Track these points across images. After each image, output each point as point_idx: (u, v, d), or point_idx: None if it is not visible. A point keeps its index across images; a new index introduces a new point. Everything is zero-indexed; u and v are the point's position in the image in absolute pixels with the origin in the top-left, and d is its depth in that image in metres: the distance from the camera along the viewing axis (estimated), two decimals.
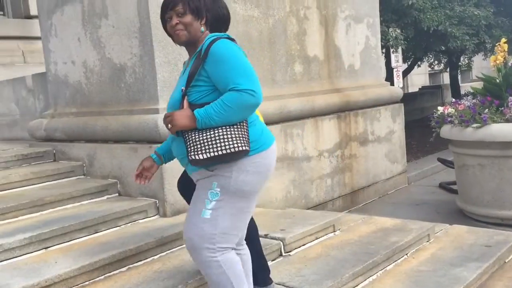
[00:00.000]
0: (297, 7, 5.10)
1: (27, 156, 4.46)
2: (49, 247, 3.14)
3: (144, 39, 3.88)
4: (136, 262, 3.07)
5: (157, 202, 3.79)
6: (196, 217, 2.13)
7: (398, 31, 7.87)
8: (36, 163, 4.48)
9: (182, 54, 4.00)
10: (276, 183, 4.64)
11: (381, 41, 7.20)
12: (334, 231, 3.82)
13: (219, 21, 2.31)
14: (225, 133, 2.02)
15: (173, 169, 3.76)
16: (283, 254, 3.39)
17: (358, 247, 3.48)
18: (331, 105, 5.34)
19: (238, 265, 2.21)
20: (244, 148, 2.04)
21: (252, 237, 2.59)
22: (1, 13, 12.12)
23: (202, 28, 2.21)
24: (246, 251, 2.41)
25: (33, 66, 8.93)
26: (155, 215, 3.77)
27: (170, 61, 3.93)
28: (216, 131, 2.02)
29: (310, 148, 5.04)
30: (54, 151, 4.65)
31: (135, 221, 3.63)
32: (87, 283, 2.83)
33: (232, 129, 2.03)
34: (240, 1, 4.51)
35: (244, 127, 2.07)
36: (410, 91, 19.45)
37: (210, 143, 2.01)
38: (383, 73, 6.88)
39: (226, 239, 2.14)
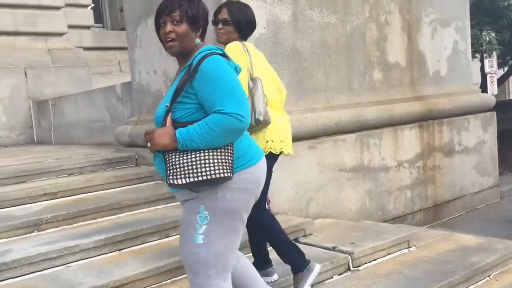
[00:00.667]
0: (377, 13, 4.93)
1: (112, 161, 4.72)
2: (122, 249, 3.27)
3: None
4: None
5: None
6: (189, 243, 1.99)
7: (493, 34, 7.35)
8: (119, 168, 4.73)
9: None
10: (350, 194, 4.51)
11: (473, 46, 6.77)
12: (409, 247, 3.62)
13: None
14: (207, 157, 1.86)
15: None
16: (351, 268, 3.27)
17: (434, 265, 3.27)
18: (412, 114, 5.10)
19: None
20: (225, 174, 1.87)
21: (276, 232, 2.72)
22: (101, 25, 13.02)
23: (198, 40, 2.02)
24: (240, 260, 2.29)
25: (128, 75, 9.46)
26: None
27: None
28: (198, 155, 1.86)
29: (388, 158, 4.84)
30: (136, 156, 4.87)
31: None
32: (153, 286, 2.91)
33: (215, 153, 1.87)
34: (317, 8, 4.45)
35: (229, 151, 1.90)
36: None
37: (190, 167, 1.85)
38: (474, 79, 6.46)
39: (223, 261, 2.01)
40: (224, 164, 1.87)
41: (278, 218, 3.79)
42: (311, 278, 2.69)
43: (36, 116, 8.57)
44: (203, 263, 1.97)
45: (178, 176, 1.86)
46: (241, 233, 2.07)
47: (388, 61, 5.02)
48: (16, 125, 8.56)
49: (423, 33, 5.38)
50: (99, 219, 3.66)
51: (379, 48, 4.95)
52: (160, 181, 4.51)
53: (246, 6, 2.82)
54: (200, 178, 1.84)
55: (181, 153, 1.87)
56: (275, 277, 2.89)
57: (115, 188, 4.23)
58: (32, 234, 3.36)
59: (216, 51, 1.98)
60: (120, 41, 10.69)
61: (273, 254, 2.90)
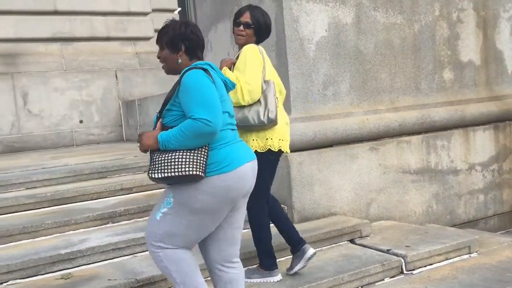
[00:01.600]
0: (449, 10, 4.79)
1: None
2: None
3: (280, 51, 4.07)
4: (252, 266, 3.26)
5: (286, 208, 3.95)
6: (152, 216, 2.34)
7: None
8: None
9: (316, 66, 4.11)
10: (414, 196, 4.44)
11: None
12: (470, 253, 3.53)
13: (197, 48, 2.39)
14: (181, 156, 2.12)
15: (302, 178, 3.90)
16: (405, 272, 3.27)
17: (492, 273, 3.17)
18: (486, 114, 4.89)
19: (183, 262, 2.28)
20: (196, 172, 2.10)
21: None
22: None
23: (179, 60, 2.32)
24: (236, 270, 2.44)
25: None
26: None
27: (304, 73, 4.06)
28: (173, 154, 2.14)
29: (458, 161, 4.69)
30: None
31: None
32: (208, 279, 3.10)
33: (188, 154, 2.13)
34: (381, 8, 4.43)
35: (203, 152, 2.14)
36: None
37: (166, 164, 2.13)
38: None
39: (171, 241, 2.26)
40: (195, 163, 2.12)
41: (336, 218, 3.89)
42: (304, 261, 2.99)
43: (125, 115, 9.22)
44: (152, 236, 2.30)
45: (156, 171, 2.17)
46: (204, 230, 2.28)
47: (460, 60, 4.86)
48: (108, 124, 9.26)
49: (501, 30, 5.12)
50: None
51: (450, 47, 4.80)
52: None
53: (266, 13, 3.02)
54: (173, 174, 2.12)
55: (162, 152, 2.18)
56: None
57: None
58: (107, 225, 3.71)
59: (200, 66, 2.24)
60: None
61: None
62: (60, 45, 9.14)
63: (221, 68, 2.90)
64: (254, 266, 3.12)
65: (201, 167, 2.13)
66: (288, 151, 3.00)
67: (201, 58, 2.39)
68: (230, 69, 2.93)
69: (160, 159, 2.17)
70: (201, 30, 5.23)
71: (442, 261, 3.42)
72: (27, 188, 4.28)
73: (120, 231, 3.53)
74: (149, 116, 8.14)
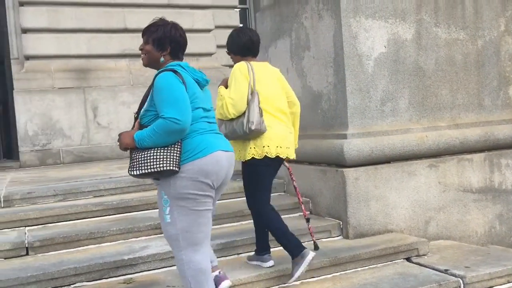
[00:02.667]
0: None
1: (239, 173, 5.11)
2: (240, 253, 3.62)
3: (338, 68, 4.12)
4: (309, 278, 3.31)
5: (341, 223, 3.96)
6: (162, 222, 2.51)
7: None
8: None
9: (375, 82, 4.12)
10: (476, 216, 4.31)
11: None
12: None
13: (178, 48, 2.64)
14: (155, 154, 2.34)
15: (358, 194, 3.90)
16: None
17: None
18: None
19: (201, 273, 2.47)
20: (169, 168, 2.33)
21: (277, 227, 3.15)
22: None
23: (162, 58, 2.54)
24: None
25: None
26: (339, 235, 3.95)
27: (362, 89, 4.08)
28: (148, 152, 2.36)
29: None
30: None
31: (318, 239, 3.85)
32: None
33: (162, 151, 2.35)
34: (443, 24, 4.38)
35: (175, 148, 2.36)
36: None
37: (141, 161, 2.36)
38: None
39: (189, 237, 2.45)
40: (169, 159, 2.35)
41: (392, 235, 3.85)
42: (304, 265, 3.05)
43: None
44: (174, 238, 2.48)
45: (134, 169, 2.39)
46: (205, 214, 2.49)
47: None
48: None
49: None
50: (224, 225, 4.07)
51: None
52: (283, 193, 4.80)
53: (241, 31, 3.28)
54: (148, 171, 2.35)
55: (139, 151, 2.40)
56: (270, 263, 3.29)
57: (238, 198, 4.60)
58: None
59: (171, 67, 2.47)
60: None
61: None
62: (128, 61, 9.61)
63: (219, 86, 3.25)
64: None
65: (173, 162, 2.35)
66: (292, 157, 3.25)
67: (181, 59, 2.63)
68: (226, 87, 3.22)
69: (137, 157, 2.38)
70: (262, 46, 5.35)
71: (504, 283, 3.31)
72: (95, 196, 4.54)
73: None
74: None
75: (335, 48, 4.14)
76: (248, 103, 3.08)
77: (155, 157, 2.35)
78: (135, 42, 9.70)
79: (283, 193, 4.79)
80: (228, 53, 3.35)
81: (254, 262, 3.36)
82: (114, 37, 9.47)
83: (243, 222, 4.11)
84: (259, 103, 3.09)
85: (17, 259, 3.42)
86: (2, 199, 4.26)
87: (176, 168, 2.36)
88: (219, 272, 2.84)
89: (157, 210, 4.20)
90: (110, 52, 9.39)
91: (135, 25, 9.60)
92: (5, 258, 3.42)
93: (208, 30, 10.34)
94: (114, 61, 9.47)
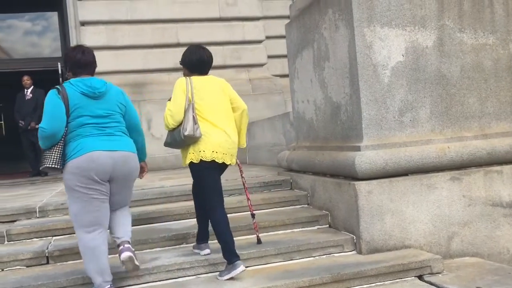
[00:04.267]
0: None
1: (268, 184, 5.16)
2: (248, 266, 3.61)
3: (353, 78, 4.04)
4: None
5: (354, 238, 3.86)
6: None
7: None
8: (275, 190, 5.13)
9: (392, 92, 3.99)
10: (507, 232, 4.03)
11: None
12: None
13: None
14: (44, 155, 3.09)
15: (371, 208, 3.80)
16: None
17: None
18: None
19: (89, 249, 3.10)
20: (49, 165, 3.05)
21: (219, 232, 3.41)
22: None
23: (67, 76, 3.29)
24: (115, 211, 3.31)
25: None
26: (352, 251, 3.85)
27: (378, 99, 3.97)
28: (42, 154, 3.12)
29: None
30: (291, 180, 5.21)
31: (330, 254, 3.80)
32: None
33: (47, 152, 3.07)
34: (468, 29, 4.16)
35: (55, 150, 3.06)
36: None
37: (42, 160, 3.12)
38: None
39: (79, 220, 3.12)
40: (49, 158, 3.06)
41: (407, 252, 3.70)
42: (231, 274, 3.32)
43: None
44: (72, 220, 3.21)
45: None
46: (91, 204, 3.09)
47: None
48: None
49: None
50: (238, 237, 4.08)
51: None
52: (306, 206, 4.77)
53: (196, 50, 3.65)
54: (41, 167, 3.10)
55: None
56: (206, 251, 3.67)
57: (262, 209, 4.63)
58: (181, 245, 3.97)
59: (60, 85, 3.14)
60: None
61: None
62: (181, 74, 9.93)
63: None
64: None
65: (52, 161, 3.05)
66: (229, 163, 3.54)
67: (78, 75, 3.22)
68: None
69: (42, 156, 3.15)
70: (289, 57, 5.37)
71: None
72: None
73: (189, 252, 3.76)
74: (256, 140, 8.46)
75: (349, 59, 4.07)
76: (185, 112, 3.40)
77: (44, 157, 3.10)
78: None
79: (306, 206, 4.75)
80: (180, 64, 3.72)
81: (195, 250, 3.73)
82: (167, 51, 9.84)
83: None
84: (193, 112, 3.41)
85: (37, 267, 3.67)
86: (37, 210, 4.58)
87: (55, 165, 3.06)
88: (124, 245, 3.23)
89: (178, 221, 4.39)
90: (163, 66, 9.78)
91: (187, 39, 9.92)
92: (26, 266, 3.68)
93: (259, 41, 10.46)
94: (167, 75, 9.83)
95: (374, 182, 3.83)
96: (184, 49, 10.56)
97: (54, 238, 4.14)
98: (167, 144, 3.59)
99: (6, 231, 4.10)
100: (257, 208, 4.60)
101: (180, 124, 3.40)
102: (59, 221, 4.26)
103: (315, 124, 4.92)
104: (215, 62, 10.62)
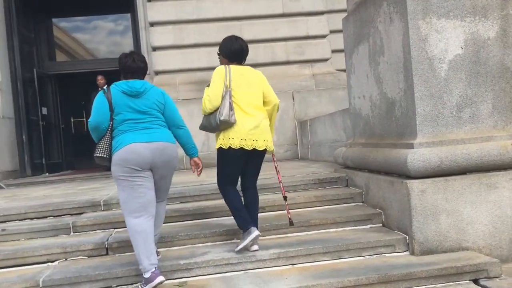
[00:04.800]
0: None
1: (323, 181, 5.11)
2: (296, 264, 3.63)
3: (407, 73, 3.90)
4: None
5: (407, 238, 3.74)
6: None
7: None
8: (330, 187, 5.08)
9: (449, 86, 3.82)
10: None
11: None
12: None
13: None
14: (96, 147, 3.49)
15: (425, 207, 3.67)
16: None
17: None
18: None
19: (137, 233, 3.36)
20: (97, 154, 3.46)
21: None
22: None
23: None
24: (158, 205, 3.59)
25: None
26: (405, 251, 3.73)
27: (433, 94, 3.81)
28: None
29: None
30: (347, 177, 5.13)
31: (380, 253, 3.71)
32: None
33: (97, 144, 3.50)
34: None
35: (102, 142, 3.47)
36: None
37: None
38: None
39: (127, 206, 3.41)
40: (99, 149, 3.46)
41: (463, 254, 3.55)
42: (248, 239, 3.61)
43: (299, 134, 9.66)
44: (121, 208, 3.51)
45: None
46: (134, 192, 3.38)
47: None
48: (284, 143, 9.81)
49: None
50: (289, 234, 4.11)
51: None
52: (361, 203, 4.68)
53: (235, 40, 3.92)
54: (94, 155, 3.48)
55: None
56: (254, 247, 3.70)
57: (315, 207, 4.60)
58: (232, 241, 4.04)
59: (107, 87, 3.57)
60: None
61: None
62: None
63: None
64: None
65: (101, 151, 3.44)
66: (260, 149, 3.72)
67: (128, 78, 3.56)
68: None
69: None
70: (346, 52, 5.31)
71: None
72: (181, 202, 4.91)
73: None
74: (317, 135, 8.40)
75: (404, 53, 3.93)
76: (222, 99, 3.62)
77: (95, 149, 3.49)
78: (251, 53, 10.09)
79: (360, 204, 4.66)
80: (218, 54, 3.92)
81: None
82: None
83: (309, 233, 4.11)
84: (230, 99, 3.63)
85: (97, 258, 3.89)
86: (102, 203, 4.85)
87: (102, 155, 3.44)
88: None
89: (230, 217, 4.47)
90: None
91: (251, 36, 10.00)
92: (88, 257, 3.91)
93: (323, 36, 10.34)
94: None
95: (428, 180, 3.68)
96: (248, 46, 10.68)
97: (115, 230, 4.35)
98: (202, 127, 3.81)
99: (72, 223, 4.37)
100: (309, 205, 4.62)
101: (217, 109, 3.63)
102: (121, 214, 4.46)
103: (370, 121, 4.80)
104: (277, 58, 10.71)
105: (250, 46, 10.03)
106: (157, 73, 10.01)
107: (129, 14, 11.94)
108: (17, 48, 10.53)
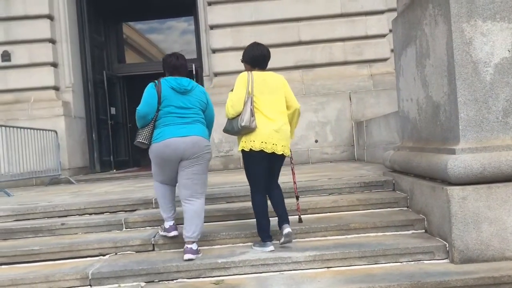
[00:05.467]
0: None
1: (369, 184, 5.08)
2: (331, 267, 3.67)
3: (450, 77, 3.82)
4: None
5: (447, 245, 3.67)
6: None
7: None
8: (375, 191, 5.04)
9: (495, 90, 3.71)
10: None
11: None
12: None
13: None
14: (138, 132, 3.99)
15: (465, 215, 3.60)
16: None
17: None
18: None
19: (160, 191, 4.16)
20: (139, 140, 3.94)
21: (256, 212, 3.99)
22: None
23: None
24: (189, 204, 3.95)
25: None
26: (444, 259, 3.66)
27: (478, 99, 3.71)
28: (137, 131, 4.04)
29: None
30: (394, 181, 5.07)
31: (419, 260, 3.67)
32: None
33: (140, 131, 3.98)
34: None
35: (146, 130, 3.95)
36: None
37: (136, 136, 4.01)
38: None
39: (155, 176, 4.15)
40: (142, 136, 3.93)
41: (506, 264, 3.45)
42: (259, 249, 3.90)
43: (356, 135, 9.57)
44: (152, 174, 4.20)
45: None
46: (160, 170, 4.05)
47: None
48: (341, 144, 9.76)
49: None
50: (329, 237, 4.15)
51: None
52: (405, 208, 4.62)
53: (257, 46, 4.03)
54: (134, 142, 4.00)
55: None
56: (270, 248, 3.90)
57: (358, 210, 4.60)
58: (273, 242, 4.12)
59: (158, 80, 3.99)
60: None
61: None
62: (302, 72, 10.11)
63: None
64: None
65: (143, 137, 3.93)
66: (279, 153, 3.89)
67: (173, 75, 4.02)
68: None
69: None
70: (395, 54, 5.29)
71: None
72: (227, 202, 5.06)
73: (278, 248, 3.90)
74: (372, 137, 8.30)
75: (447, 56, 3.85)
76: (244, 104, 3.81)
77: (137, 134, 3.98)
78: (308, 54, 10.18)
79: (405, 208, 4.60)
80: (242, 61, 4.10)
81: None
82: (288, 50, 10.08)
83: (348, 236, 4.12)
84: (251, 105, 3.81)
85: (145, 253, 4.12)
86: (153, 201, 5.11)
87: (144, 141, 3.92)
88: (187, 246, 3.84)
89: (272, 218, 4.57)
90: (284, 65, 10.01)
91: (309, 37, 10.07)
92: (136, 252, 4.16)
93: (383, 35, 10.17)
94: (288, 73, 10.04)
95: (470, 187, 3.60)
96: (305, 47, 10.73)
97: None
98: (225, 130, 4.03)
99: (124, 219, 4.66)
100: (352, 208, 4.62)
101: (239, 114, 3.83)
102: None
103: (418, 124, 4.72)
104: (335, 59, 10.64)
105: (307, 47, 10.18)
106: (216, 74, 10.27)
107: (192, 17, 12.31)
108: (89, 52, 11.20)
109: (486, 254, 3.57)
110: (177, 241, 4.14)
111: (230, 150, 9.81)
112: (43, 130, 9.09)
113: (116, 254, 4.15)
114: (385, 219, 4.21)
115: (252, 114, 3.80)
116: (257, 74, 3.92)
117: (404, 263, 3.67)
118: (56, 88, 10.37)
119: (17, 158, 8.62)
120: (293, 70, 10.05)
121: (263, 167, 3.90)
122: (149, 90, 3.94)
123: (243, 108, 3.82)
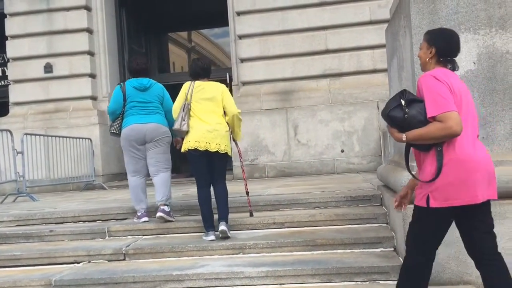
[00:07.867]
0: None
1: (355, 198, 4.95)
2: (283, 284, 3.64)
3: (414, 90, 3.67)
4: None
5: None
6: None
7: None
8: (362, 205, 4.90)
9: None
10: None
11: None
12: None
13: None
14: (110, 125, 5.02)
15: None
16: None
17: None
18: None
19: (132, 184, 4.97)
20: (113, 131, 5.00)
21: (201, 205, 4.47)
22: None
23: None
24: (156, 178, 4.97)
25: None
26: None
27: None
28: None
29: None
30: (382, 196, 4.91)
31: (374, 280, 3.55)
32: None
33: (112, 124, 5.00)
34: None
35: (116, 122, 4.95)
36: None
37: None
38: None
39: (128, 167, 5.00)
40: (113, 127, 4.97)
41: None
42: (204, 239, 4.39)
43: (383, 145, 9.29)
44: (125, 167, 5.06)
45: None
46: (131, 158, 4.98)
47: None
48: (367, 154, 9.53)
49: None
50: (294, 253, 4.09)
51: None
52: (384, 225, 4.46)
53: (196, 61, 4.63)
54: (109, 132, 5.07)
55: None
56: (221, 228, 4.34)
57: (334, 225, 4.49)
58: (238, 255, 4.15)
59: (122, 82, 5.04)
60: None
61: None
62: (329, 81, 9.97)
63: None
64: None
65: (114, 129, 4.95)
66: (214, 150, 4.33)
67: (135, 76, 5.04)
68: None
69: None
70: (388, 64, 5.09)
71: None
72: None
73: (237, 262, 3.92)
74: (396, 147, 8.03)
75: (411, 69, 3.71)
76: (180, 111, 4.42)
77: (110, 126, 5.02)
78: (335, 62, 10.04)
79: (384, 225, 4.44)
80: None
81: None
82: (316, 58, 9.99)
83: (315, 252, 4.05)
84: (183, 111, 4.39)
85: (115, 262, 4.26)
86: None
87: (115, 131, 4.95)
88: (160, 207, 4.79)
89: (252, 231, 4.58)
90: (312, 73, 9.95)
91: (336, 46, 9.94)
92: (108, 261, 4.31)
93: None
94: (315, 82, 9.99)
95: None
96: (332, 55, 10.53)
97: (143, 237, 4.72)
98: (172, 131, 4.73)
99: (107, 228, 4.84)
100: (329, 223, 4.56)
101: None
102: (149, 222, 4.85)
103: None
104: (363, 67, 10.38)
105: (334, 55, 10.06)
106: (243, 83, 10.37)
107: (226, 28, 12.53)
108: (127, 63, 11.69)
109: (443, 277, 3.39)
110: (145, 252, 4.26)
111: (255, 159, 9.86)
112: (79, 138, 9.60)
113: (89, 262, 4.33)
114: (353, 236, 4.09)
115: (183, 119, 4.37)
116: (198, 83, 4.50)
117: (359, 282, 3.56)
118: (93, 98, 10.91)
119: (56, 164, 9.20)
120: (321, 79, 9.94)
121: (202, 164, 4.39)
122: (116, 91, 4.95)
123: (178, 113, 4.42)
